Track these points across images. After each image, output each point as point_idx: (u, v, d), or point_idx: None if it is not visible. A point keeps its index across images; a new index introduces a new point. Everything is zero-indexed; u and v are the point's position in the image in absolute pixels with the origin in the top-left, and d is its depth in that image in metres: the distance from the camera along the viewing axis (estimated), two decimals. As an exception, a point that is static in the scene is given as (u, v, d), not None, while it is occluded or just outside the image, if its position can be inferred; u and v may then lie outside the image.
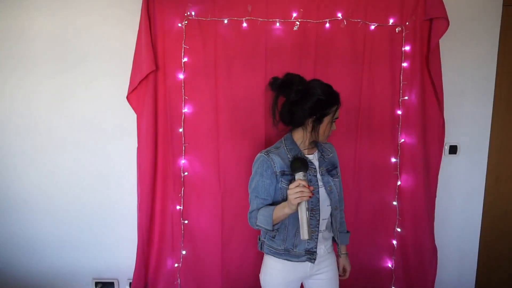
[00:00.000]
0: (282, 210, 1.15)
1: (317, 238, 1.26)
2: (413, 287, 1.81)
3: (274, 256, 1.30)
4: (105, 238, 1.92)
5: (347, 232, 1.47)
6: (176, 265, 1.78)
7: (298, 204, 1.07)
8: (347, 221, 1.51)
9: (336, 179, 1.32)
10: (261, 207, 1.24)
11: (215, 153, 1.70)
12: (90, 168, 1.87)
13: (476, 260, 2.00)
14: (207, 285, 1.79)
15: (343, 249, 1.45)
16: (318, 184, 1.25)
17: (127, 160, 1.83)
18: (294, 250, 1.26)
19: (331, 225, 1.34)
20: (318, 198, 1.24)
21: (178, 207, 1.74)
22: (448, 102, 1.76)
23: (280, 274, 1.29)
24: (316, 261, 1.27)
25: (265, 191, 1.23)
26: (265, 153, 1.25)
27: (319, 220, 1.25)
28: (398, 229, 1.78)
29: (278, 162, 1.23)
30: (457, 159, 1.90)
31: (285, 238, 1.26)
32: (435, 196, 1.80)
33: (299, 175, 1.09)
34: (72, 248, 1.93)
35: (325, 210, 1.28)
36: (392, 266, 1.81)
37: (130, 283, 1.84)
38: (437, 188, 1.79)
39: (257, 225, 1.24)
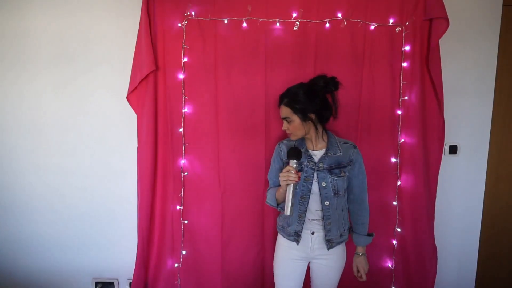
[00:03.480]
0: (280, 190, 1.34)
1: (303, 223, 1.40)
2: (413, 287, 1.81)
3: (278, 231, 1.51)
4: (105, 238, 1.92)
5: (367, 235, 1.50)
6: (176, 265, 1.78)
7: (288, 186, 1.24)
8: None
9: (337, 178, 1.38)
10: (272, 187, 1.48)
11: (215, 153, 1.71)
12: (89, 168, 1.87)
13: (476, 260, 2.00)
14: (207, 285, 1.79)
15: (358, 250, 1.50)
16: (312, 177, 1.37)
17: (127, 160, 1.83)
18: (287, 228, 1.44)
19: (323, 221, 1.39)
20: (310, 189, 1.38)
21: (178, 207, 1.74)
22: (448, 102, 1.76)
23: (282, 248, 1.47)
24: (311, 247, 1.41)
25: (275, 175, 1.48)
26: (279, 143, 1.50)
27: (307, 207, 1.39)
28: (398, 229, 1.78)
29: (285, 151, 1.43)
30: (457, 159, 1.90)
31: (285, 217, 1.44)
32: (435, 196, 1.79)
33: (292, 162, 1.26)
34: (72, 248, 1.94)
35: (315, 201, 1.39)
36: (392, 266, 1.81)
37: (130, 283, 1.84)
38: (437, 188, 1.78)
39: (266, 202, 1.46)
